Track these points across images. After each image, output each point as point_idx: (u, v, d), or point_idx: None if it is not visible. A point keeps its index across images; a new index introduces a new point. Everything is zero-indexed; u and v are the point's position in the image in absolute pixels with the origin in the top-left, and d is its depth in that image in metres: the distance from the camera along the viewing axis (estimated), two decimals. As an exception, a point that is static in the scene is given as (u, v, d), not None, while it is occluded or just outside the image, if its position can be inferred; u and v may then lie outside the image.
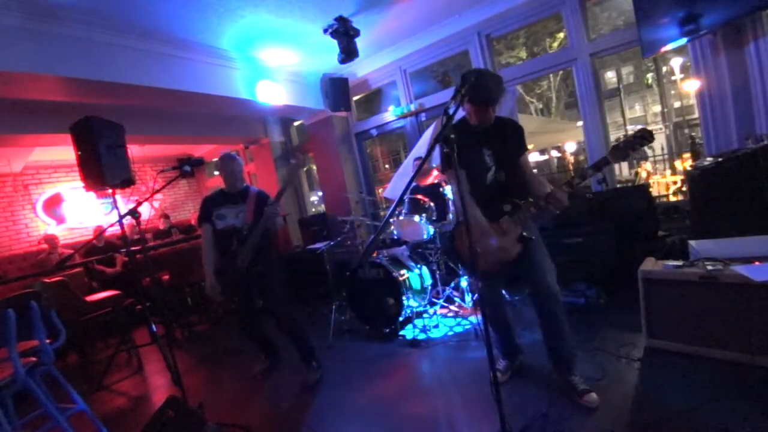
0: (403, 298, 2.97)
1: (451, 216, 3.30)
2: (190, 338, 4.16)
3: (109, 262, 5.09)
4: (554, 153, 14.49)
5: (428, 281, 3.36)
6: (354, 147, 5.68)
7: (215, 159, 7.76)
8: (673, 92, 12.33)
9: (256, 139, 6.09)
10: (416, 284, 3.23)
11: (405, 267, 3.23)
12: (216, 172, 8.23)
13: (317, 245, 3.77)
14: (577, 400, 1.84)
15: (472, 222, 1.94)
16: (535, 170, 2.28)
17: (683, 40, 2.86)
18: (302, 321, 2.72)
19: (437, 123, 4.06)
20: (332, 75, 5.00)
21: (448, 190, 3.41)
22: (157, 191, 2.51)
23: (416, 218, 3.15)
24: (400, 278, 3.02)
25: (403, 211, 3.25)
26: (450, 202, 3.32)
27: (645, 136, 1.63)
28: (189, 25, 3.30)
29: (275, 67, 4.47)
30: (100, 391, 3.10)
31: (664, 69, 11.52)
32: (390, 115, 5.17)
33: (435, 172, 3.66)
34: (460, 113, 1.70)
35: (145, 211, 2.28)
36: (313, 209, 7.43)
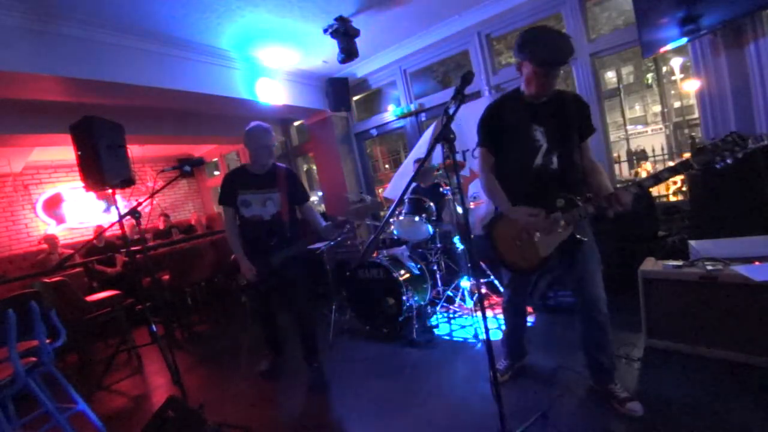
0: (403, 297, 2.97)
1: (455, 212, 3.29)
2: (190, 338, 4.16)
3: (109, 262, 5.09)
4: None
5: (428, 281, 3.36)
6: (354, 147, 5.68)
7: (215, 159, 7.82)
8: (673, 92, 12.31)
9: (256, 139, 6.07)
10: (418, 284, 3.23)
11: (405, 267, 3.23)
12: (216, 172, 8.23)
13: (317, 245, 3.77)
14: (618, 409, 1.73)
15: (499, 206, 1.82)
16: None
17: (683, 40, 2.86)
18: (315, 319, 2.67)
19: (437, 123, 4.06)
20: (332, 75, 5.00)
21: (448, 190, 3.41)
22: (157, 191, 2.51)
23: (416, 218, 3.15)
24: (400, 278, 3.02)
25: (403, 211, 3.25)
26: (461, 197, 3.29)
27: (738, 143, 1.39)
28: (189, 25, 3.29)
29: (275, 67, 4.47)
30: (100, 391, 3.09)
31: (664, 69, 11.51)
32: (390, 115, 5.17)
33: (436, 173, 3.66)
34: (512, 85, 1.44)
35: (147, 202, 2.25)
36: (313, 209, 7.40)
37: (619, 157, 8.84)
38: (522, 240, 1.79)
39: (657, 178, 1.54)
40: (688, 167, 1.47)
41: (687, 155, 1.54)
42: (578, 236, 1.70)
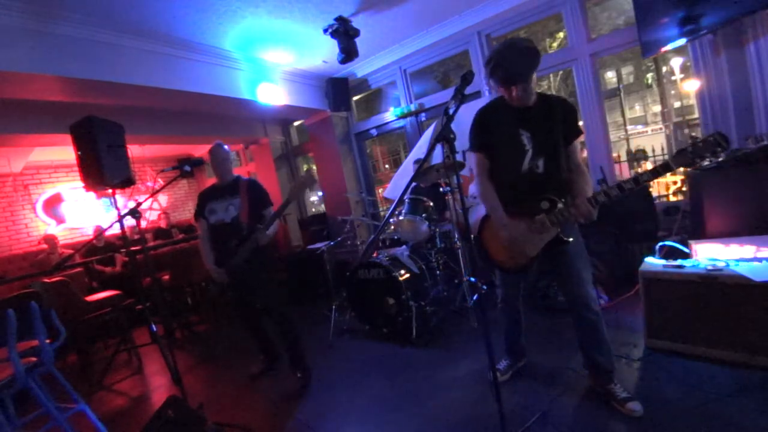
0: (403, 297, 2.97)
1: (455, 211, 3.28)
2: (190, 338, 4.16)
3: (109, 262, 5.10)
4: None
5: (428, 281, 3.36)
6: (354, 147, 5.68)
7: (215, 159, 7.82)
8: (673, 92, 12.30)
9: (255, 139, 6.09)
10: (418, 283, 3.23)
11: (405, 267, 3.22)
12: (216, 172, 8.24)
13: (317, 245, 3.77)
14: (618, 409, 1.73)
15: (491, 215, 1.86)
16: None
17: (683, 40, 2.86)
18: (297, 326, 2.70)
19: (437, 123, 4.06)
20: (332, 75, 5.00)
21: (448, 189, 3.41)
22: (157, 191, 2.52)
23: (416, 218, 3.15)
24: (400, 278, 3.02)
25: (403, 211, 3.25)
26: (453, 199, 3.29)
27: (720, 144, 1.36)
28: (190, 25, 3.29)
29: (276, 67, 4.47)
30: (100, 391, 3.10)
31: (664, 69, 11.50)
32: (390, 115, 5.17)
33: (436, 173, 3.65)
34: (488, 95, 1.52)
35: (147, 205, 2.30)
36: (313, 209, 7.43)
37: (619, 156, 8.83)
38: (511, 240, 1.82)
39: (636, 180, 1.53)
40: (668, 169, 1.47)
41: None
42: (562, 237, 1.73)
